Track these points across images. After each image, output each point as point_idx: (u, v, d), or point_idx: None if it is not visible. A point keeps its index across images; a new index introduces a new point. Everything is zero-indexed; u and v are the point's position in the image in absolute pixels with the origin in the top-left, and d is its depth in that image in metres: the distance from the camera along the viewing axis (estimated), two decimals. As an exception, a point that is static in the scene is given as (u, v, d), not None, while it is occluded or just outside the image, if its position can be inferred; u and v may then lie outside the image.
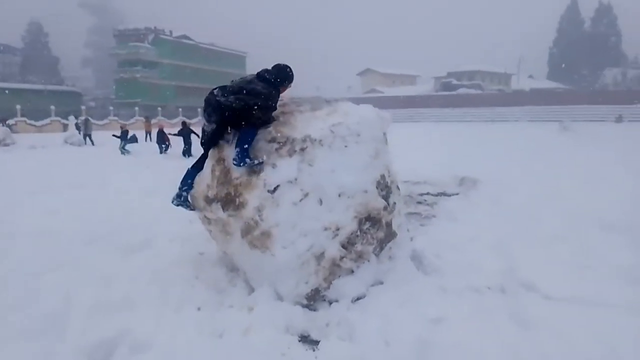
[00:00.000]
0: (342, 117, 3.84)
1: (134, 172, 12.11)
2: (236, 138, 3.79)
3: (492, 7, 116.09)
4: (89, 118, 29.90)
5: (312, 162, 3.58)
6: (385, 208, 3.78)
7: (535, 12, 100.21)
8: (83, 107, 51.72)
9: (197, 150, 4.83)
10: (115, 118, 49.86)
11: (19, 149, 22.26)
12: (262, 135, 3.74)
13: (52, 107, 46.15)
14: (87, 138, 25.61)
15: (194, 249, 4.94)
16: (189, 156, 16.95)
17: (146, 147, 21.98)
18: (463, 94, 63.24)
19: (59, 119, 44.79)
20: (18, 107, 43.60)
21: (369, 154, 3.78)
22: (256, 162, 3.64)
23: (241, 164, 3.64)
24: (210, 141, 4.00)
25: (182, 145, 17.49)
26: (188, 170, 4.18)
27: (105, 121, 49.02)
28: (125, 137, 19.56)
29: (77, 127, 28.60)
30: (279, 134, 3.70)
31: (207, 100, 3.93)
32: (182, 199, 4.10)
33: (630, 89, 59.86)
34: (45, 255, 4.96)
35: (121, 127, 20.68)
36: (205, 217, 3.93)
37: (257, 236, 3.40)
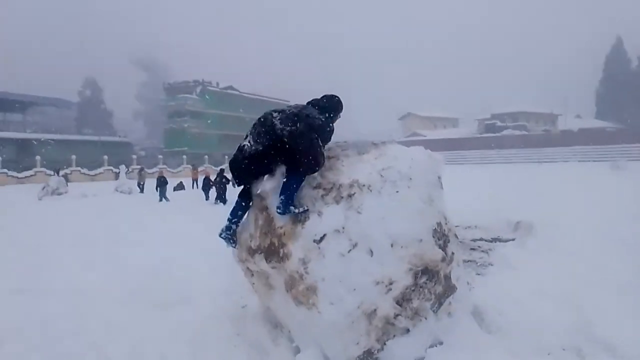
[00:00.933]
0: (391, 161, 3.57)
1: (176, 220, 12.15)
2: (281, 186, 3.56)
3: (534, 47, 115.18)
4: (144, 167, 31.00)
5: (360, 210, 3.30)
6: (443, 259, 3.42)
7: (581, 52, 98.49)
8: (134, 157, 53.81)
9: (231, 194, 4.64)
10: (164, 166, 51.46)
11: (71, 198, 23.04)
12: (307, 181, 3.51)
13: (105, 157, 48.20)
14: (140, 186, 26.69)
15: (235, 303, 4.68)
16: (224, 203, 17.18)
17: (193, 194, 22.34)
18: (508, 134, 61.90)
19: (111, 168, 46.63)
20: (73, 157, 45.75)
21: (422, 200, 3.46)
22: (301, 209, 3.40)
23: (285, 212, 3.41)
24: (248, 165, 3.68)
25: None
26: (237, 201, 3.96)
27: (154, 169, 50.64)
28: (163, 185, 19.97)
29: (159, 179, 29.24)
30: (324, 180, 3.46)
31: (262, 119, 3.75)
32: (232, 231, 3.84)
33: (685, 126, 57.03)
34: (79, 314, 4.80)
35: (158, 175, 21.15)
36: (247, 268, 3.69)
37: (302, 291, 3.10)
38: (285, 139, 3.49)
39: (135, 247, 8.55)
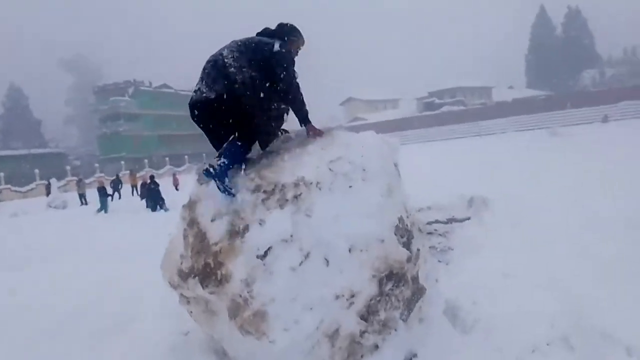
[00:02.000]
0: (340, 150, 3.05)
1: (112, 233, 11.24)
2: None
3: (462, 22, 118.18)
4: (82, 178, 29.40)
5: (310, 212, 2.77)
6: (409, 259, 2.97)
7: (506, 23, 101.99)
8: (68, 168, 50.96)
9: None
10: (102, 174, 48.99)
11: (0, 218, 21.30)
12: (242, 183, 2.94)
13: (36, 171, 45.33)
14: (82, 198, 25.47)
15: (178, 329, 4.07)
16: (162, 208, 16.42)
17: (133, 202, 21.13)
18: (446, 111, 63.37)
19: (43, 182, 43.86)
20: (1, 174, 42.72)
21: (380, 193, 2.98)
22: (231, 190, 2.94)
23: (209, 177, 2.95)
24: (204, 115, 3.23)
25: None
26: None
27: (91, 179, 48.12)
28: (104, 195, 18.69)
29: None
30: (264, 181, 2.89)
31: (211, 61, 3.27)
32: (219, 169, 3.11)
33: (610, 88, 60.28)
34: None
35: (98, 186, 19.83)
36: (182, 295, 3.09)
37: (248, 318, 2.55)
38: (247, 76, 3.10)
39: (68, 267, 7.69)
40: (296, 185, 2.81)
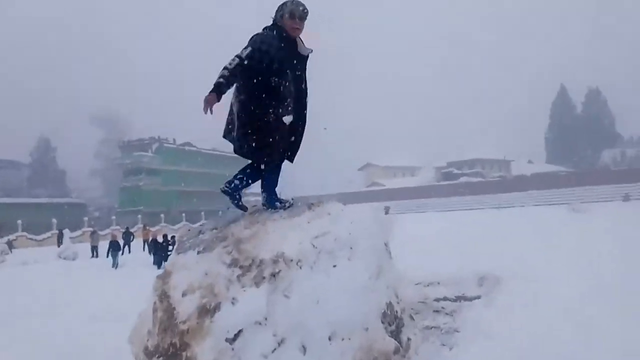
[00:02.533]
0: (327, 225, 2.86)
1: (112, 290, 10.99)
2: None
3: (481, 95, 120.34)
4: (96, 230, 29.61)
5: (288, 292, 2.55)
6: (396, 350, 2.69)
7: (528, 99, 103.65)
8: (85, 219, 51.45)
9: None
10: (117, 227, 49.28)
11: (9, 267, 21.23)
12: (218, 256, 2.75)
13: (54, 220, 45.83)
14: (94, 250, 25.35)
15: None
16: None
17: (144, 258, 20.97)
18: (465, 182, 63.21)
19: (60, 230, 44.27)
20: (19, 222, 43.31)
21: (367, 274, 2.75)
22: (287, 204, 3.37)
23: (272, 207, 3.36)
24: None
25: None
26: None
27: (106, 231, 48.39)
28: (116, 249, 18.61)
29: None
30: (241, 255, 2.70)
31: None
32: (233, 185, 3.37)
33: (631, 167, 59.80)
34: None
35: (111, 239, 19.82)
36: (147, 375, 2.83)
37: (210, 411, 2.28)
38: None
39: (54, 325, 7.43)
40: (275, 261, 2.61)
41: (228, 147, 3.42)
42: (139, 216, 54.95)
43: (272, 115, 3.12)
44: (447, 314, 6.73)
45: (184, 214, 58.62)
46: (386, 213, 49.36)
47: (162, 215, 56.29)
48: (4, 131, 78.93)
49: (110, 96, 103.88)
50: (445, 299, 7.73)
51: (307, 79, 3.38)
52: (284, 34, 3.18)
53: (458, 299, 7.65)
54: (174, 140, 73.38)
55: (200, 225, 3.40)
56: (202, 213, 59.14)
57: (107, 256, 19.02)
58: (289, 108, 3.18)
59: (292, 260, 2.63)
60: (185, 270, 2.74)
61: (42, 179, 73.03)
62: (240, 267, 2.64)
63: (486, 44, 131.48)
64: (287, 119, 3.17)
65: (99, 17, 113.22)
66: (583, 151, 77.94)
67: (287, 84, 3.16)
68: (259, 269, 2.60)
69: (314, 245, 2.71)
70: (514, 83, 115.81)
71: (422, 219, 39.15)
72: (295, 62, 3.23)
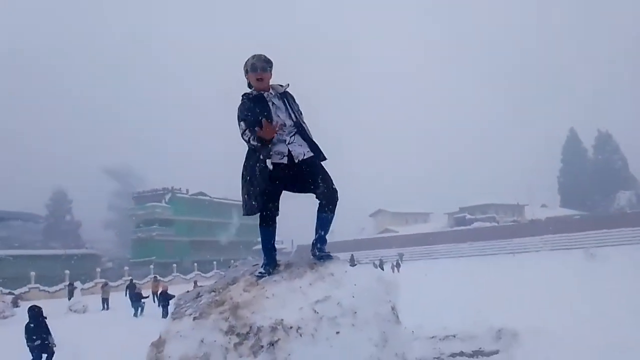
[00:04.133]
0: (330, 288, 2.73)
1: (116, 346, 10.74)
2: None
3: (494, 139, 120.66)
4: (107, 282, 29.49)
5: (287, 362, 2.41)
6: None
7: (538, 143, 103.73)
8: (98, 270, 51.21)
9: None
10: (130, 278, 49.01)
11: (18, 322, 20.97)
12: (214, 322, 2.62)
13: (67, 272, 45.64)
14: (105, 302, 25.05)
15: None
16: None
17: (153, 310, 20.66)
18: (478, 227, 62.40)
19: (76, 282, 44.02)
20: (32, 273, 43.35)
21: (372, 342, 2.59)
22: (257, 273, 3.24)
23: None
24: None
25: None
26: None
27: (119, 282, 48.09)
28: (138, 299, 18.58)
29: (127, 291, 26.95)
30: (238, 322, 2.56)
31: None
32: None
33: (646, 209, 58.85)
34: None
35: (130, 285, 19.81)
36: None
37: None
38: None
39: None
40: (274, 329, 2.47)
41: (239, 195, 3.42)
42: (151, 266, 54.69)
43: (245, 168, 3.33)
44: (463, 371, 6.43)
45: (195, 264, 58.31)
46: (400, 260, 48.81)
47: (174, 266, 56.03)
48: (21, 184, 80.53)
49: (124, 149, 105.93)
50: (462, 354, 7.40)
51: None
52: (251, 95, 3.44)
53: (475, 354, 7.32)
54: (187, 190, 74.00)
55: (200, 287, 3.28)
56: (215, 263, 58.74)
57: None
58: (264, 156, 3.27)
59: (291, 328, 2.49)
60: (180, 338, 2.62)
61: (57, 231, 73.45)
62: (237, 334, 2.51)
63: (498, 87, 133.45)
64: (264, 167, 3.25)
65: (110, 68, 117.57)
66: (596, 194, 77.08)
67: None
68: (257, 337, 2.47)
69: (315, 311, 2.57)
70: (525, 126, 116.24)
71: (435, 266, 38.53)
72: (266, 105, 3.40)
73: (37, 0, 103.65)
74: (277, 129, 3.15)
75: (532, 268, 25.31)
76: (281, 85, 3.52)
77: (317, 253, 3.26)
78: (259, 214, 3.22)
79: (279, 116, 3.34)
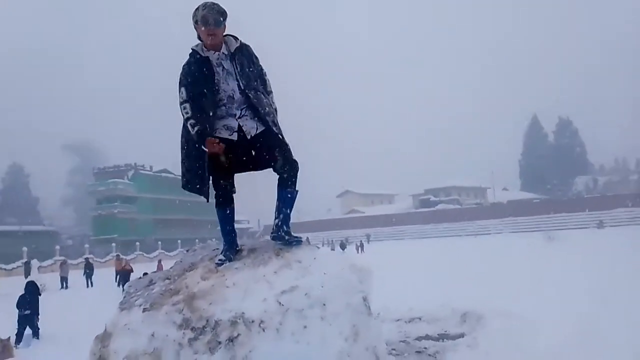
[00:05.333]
0: (297, 277, 2.48)
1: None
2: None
3: (459, 123, 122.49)
4: (66, 260, 28.62)
5: (248, 360, 2.17)
6: None
7: (500, 126, 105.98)
8: (57, 247, 49.66)
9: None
10: (91, 256, 47.74)
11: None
12: (167, 315, 2.35)
13: (24, 249, 44.03)
14: (63, 281, 24.42)
15: None
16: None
17: (116, 291, 20.09)
18: (442, 209, 63.57)
19: (29, 260, 42.55)
20: (-14, 250, 41.73)
21: (343, 336, 2.37)
22: (217, 260, 2.88)
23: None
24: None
25: None
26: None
27: (79, 260, 46.78)
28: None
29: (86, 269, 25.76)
30: (194, 314, 2.30)
31: None
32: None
33: (604, 194, 61.03)
34: None
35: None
36: None
37: None
38: None
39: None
40: (233, 323, 2.22)
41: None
42: (113, 244, 53.39)
43: (187, 140, 2.96)
44: (430, 355, 6.35)
45: (159, 242, 57.29)
46: (368, 241, 48.97)
47: (137, 244, 54.83)
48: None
49: (86, 123, 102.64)
50: (427, 337, 7.35)
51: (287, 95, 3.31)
52: (197, 55, 2.99)
53: (441, 337, 7.28)
54: (151, 167, 72.30)
55: (152, 273, 2.98)
56: (179, 241, 57.85)
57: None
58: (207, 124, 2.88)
59: (253, 322, 2.23)
60: (128, 332, 2.33)
61: (13, 206, 70.91)
62: (193, 329, 2.24)
63: (463, 73, 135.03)
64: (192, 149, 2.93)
65: (73, 44, 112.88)
66: (555, 178, 79.52)
67: (206, 99, 2.91)
68: (214, 332, 2.21)
69: (280, 303, 2.32)
70: (488, 111, 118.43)
71: (401, 246, 39.00)
72: (213, 72, 2.97)
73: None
74: (221, 151, 2.73)
75: (494, 250, 25.85)
76: (235, 39, 3.05)
77: (285, 236, 2.89)
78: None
79: (227, 84, 2.94)
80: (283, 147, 2.92)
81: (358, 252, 35.09)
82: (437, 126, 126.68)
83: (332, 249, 34.44)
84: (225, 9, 2.96)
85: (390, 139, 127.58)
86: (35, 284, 11.16)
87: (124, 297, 2.61)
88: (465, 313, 8.54)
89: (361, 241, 41.27)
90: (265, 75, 3.19)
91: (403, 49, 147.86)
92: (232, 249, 2.95)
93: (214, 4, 2.89)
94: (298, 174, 2.93)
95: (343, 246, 38.51)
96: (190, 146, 2.89)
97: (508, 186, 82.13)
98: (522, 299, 9.51)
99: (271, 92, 3.21)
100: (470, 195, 74.26)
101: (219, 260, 2.83)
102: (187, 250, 3.29)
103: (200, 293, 2.41)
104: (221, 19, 2.91)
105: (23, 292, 10.65)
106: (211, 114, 2.87)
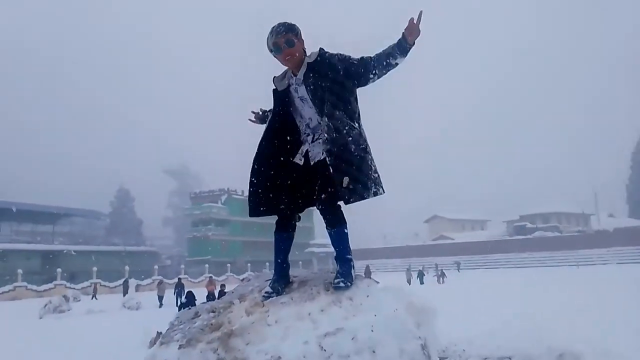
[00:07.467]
0: (345, 316, 2.22)
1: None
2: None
3: (557, 147, 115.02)
4: (162, 279, 30.26)
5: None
6: None
7: (604, 149, 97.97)
8: (156, 267, 52.92)
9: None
10: (186, 276, 50.32)
11: (74, 316, 21.68)
12: (201, 353, 2.17)
13: (126, 268, 47.38)
14: (160, 300, 25.51)
15: None
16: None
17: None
18: (540, 237, 59.36)
19: (131, 279, 45.70)
20: (94, 269, 45.34)
21: (395, 390, 2.07)
22: (264, 293, 2.71)
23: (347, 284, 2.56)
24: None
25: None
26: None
27: (175, 280, 49.45)
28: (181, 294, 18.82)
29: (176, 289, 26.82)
30: (228, 354, 2.11)
31: None
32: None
33: None
34: None
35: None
36: None
37: None
38: None
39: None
40: (269, 367, 2.01)
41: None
42: (207, 265, 56.12)
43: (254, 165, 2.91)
44: (519, 402, 5.72)
45: (249, 264, 59.24)
46: (458, 269, 46.47)
47: (228, 265, 57.24)
48: (87, 181, 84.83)
49: (182, 150, 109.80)
50: (517, 380, 6.66)
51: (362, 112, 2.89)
52: (275, 89, 2.89)
53: (533, 381, 6.57)
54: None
55: (202, 304, 2.87)
56: (267, 264, 59.33)
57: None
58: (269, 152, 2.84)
59: (290, 367, 2.01)
60: (165, 369, 2.20)
61: (120, 228, 76.61)
62: (225, 372, 2.06)
63: (561, 93, 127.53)
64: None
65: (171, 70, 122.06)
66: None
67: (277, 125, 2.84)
68: (249, 377, 2.01)
69: (321, 347, 2.07)
70: (591, 129, 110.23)
71: (494, 276, 36.73)
72: (288, 93, 2.84)
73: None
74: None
75: (598, 282, 23.52)
76: (313, 54, 2.79)
77: (334, 280, 2.60)
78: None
79: (304, 110, 2.78)
80: (326, 182, 2.64)
81: (439, 282, 32.70)
82: (534, 149, 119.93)
83: (409, 279, 32.25)
84: (294, 23, 2.77)
85: (481, 162, 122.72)
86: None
87: (167, 329, 2.50)
88: (561, 354, 7.69)
89: (442, 270, 36.92)
90: (348, 79, 2.77)
91: (509, 65, 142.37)
92: (281, 280, 2.74)
93: (280, 25, 2.72)
94: (340, 213, 2.70)
95: (421, 275, 34.59)
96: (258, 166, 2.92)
97: (614, 212, 75.25)
98: (626, 338, 8.41)
99: (353, 100, 2.85)
100: (571, 222, 68.66)
101: (265, 293, 2.63)
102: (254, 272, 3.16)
103: (239, 330, 2.22)
104: (291, 36, 2.71)
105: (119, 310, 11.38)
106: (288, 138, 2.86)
